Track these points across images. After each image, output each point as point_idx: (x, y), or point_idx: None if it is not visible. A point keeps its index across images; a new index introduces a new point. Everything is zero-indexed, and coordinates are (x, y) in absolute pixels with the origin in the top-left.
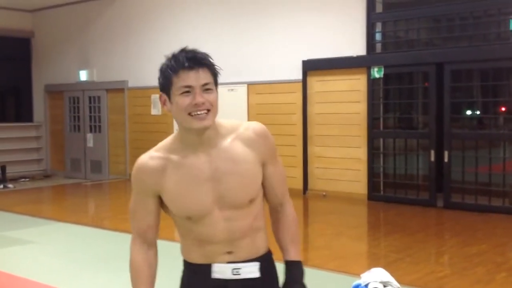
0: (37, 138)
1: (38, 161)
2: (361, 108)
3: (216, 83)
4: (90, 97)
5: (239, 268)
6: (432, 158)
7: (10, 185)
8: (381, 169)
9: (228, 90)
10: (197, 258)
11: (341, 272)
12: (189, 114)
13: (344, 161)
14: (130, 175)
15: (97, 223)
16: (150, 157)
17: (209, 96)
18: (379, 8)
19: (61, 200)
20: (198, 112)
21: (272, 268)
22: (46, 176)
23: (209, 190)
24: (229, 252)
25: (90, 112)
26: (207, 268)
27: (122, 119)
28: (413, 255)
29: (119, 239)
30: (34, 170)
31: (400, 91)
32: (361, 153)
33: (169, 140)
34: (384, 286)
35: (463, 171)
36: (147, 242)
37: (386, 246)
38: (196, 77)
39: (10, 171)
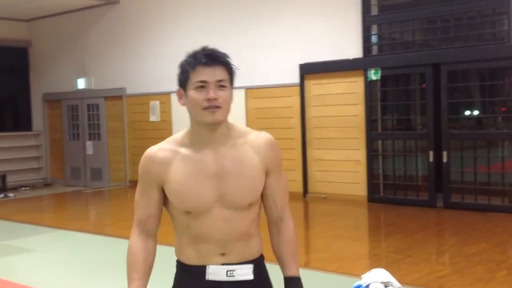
0: (36, 146)
1: (38, 169)
2: (359, 110)
3: (231, 82)
4: (88, 105)
5: (233, 270)
6: (431, 159)
7: (11, 194)
8: (381, 171)
9: None
10: (190, 259)
11: (342, 274)
12: (203, 108)
13: (343, 163)
14: (130, 181)
15: (98, 230)
16: (159, 148)
17: (222, 93)
18: (374, 10)
19: (62, 208)
20: (211, 107)
21: (264, 271)
22: (46, 185)
23: (212, 186)
24: (222, 254)
25: (89, 120)
26: (201, 269)
27: (121, 126)
28: (413, 255)
29: (121, 246)
30: (34, 178)
31: (397, 93)
32: (360, 155)
33: (181, 134)
34: (385, 286)
35: (462, 171)
36: (146, 232)
37: (387, 247)
38: (212, 73)
39: (10, 180)
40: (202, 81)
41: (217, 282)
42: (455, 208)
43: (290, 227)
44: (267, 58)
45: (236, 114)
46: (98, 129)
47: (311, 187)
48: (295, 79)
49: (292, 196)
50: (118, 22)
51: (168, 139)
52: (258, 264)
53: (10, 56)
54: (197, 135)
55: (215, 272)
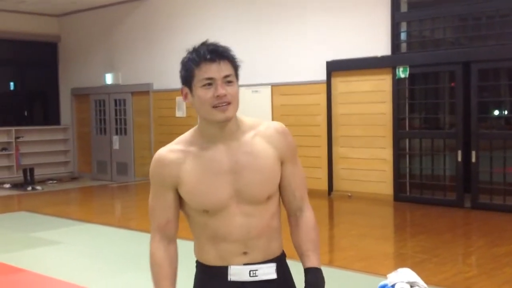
0: (64, 140)
1: (65, 163)
2: (386, 108)
3: (237, 76)
4: (115, 100)
5: (256, 270)
6: (459, 159)
7: (38, 187)
8: (407, 170)
9: (252, 91)
10: (211, 259)
11: (367, 273)
12: (212, 106)
13: (369, 161)
14: None
15: (123, 224)
16: (169, 150)
17: (230, 89)
18: (404, 7)
19: (88, 202)
20: (221, 104)
21: (287, 270)
22: (73, 178)
23: (227, 183)
24: (245, 253)
25: (116, 114)
26: (223, 270)
27: (147, 121)
28: (440, 256)
29: (146, 239)
30: (62, 172)
31: (426, 91)
32: (387, 153)
33: (189, 133)
34: (411, 286)
35: (491, 171)
36: (167, 238)
37: (413, 246)
38: (218, 69)
39: (38, 173)
40: (209, 78)
41: (239, 282)
42: (483, 209)
43: (310, 217)
44: (294, 55)
45: (262, 111)
46: (125, 124)
47: (336, 185)
48: (322, 76)
49: (317, 194)
50: (146, 18)
51: (177, 140)
52: (281, 262)
53: (40, 51)
54: (207, 133)
55: (238, 273)
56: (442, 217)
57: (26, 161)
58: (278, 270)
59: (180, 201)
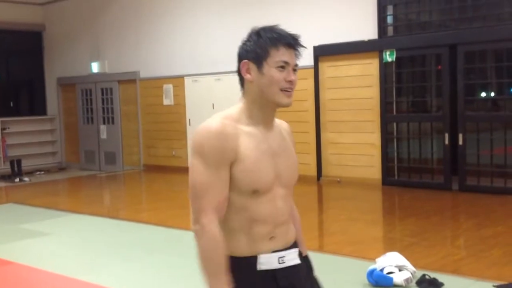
0: (51, 131)
1: (53, 154)
2: (374, 92)
3: None
4: (102, 89)
5: (283, 256)
6: (447, 141)
7: (26, 179)
8: (395, 154)
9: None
10: (241, 249)
11: (356, 257)
12: (280, 89)
13: (358, 146)
14: (143, 165)
15: (112, 214)
16: (223, 124)
17: (295, 78)
18: None
19: (77, 192)
20: (289, 89)
21: (302, 256)
22: (61, 169)
23: (272, 164)
24: (271, 238)
25: (103, 104)
26: (252, 260)
27: (135, 110)
28: (428, 239)
29: (135, 229)
30: (49, 163)
31: (413, 74)
32: (375, 138)
33: (235, 111)
34: (400, 270)
35: (478, 153)
36: (219, 218)
37: (401, 230)
38: (293, 56)
39: (26, 164)
40: (285, 62)
41: (270, 271)
42: (471, 191)
43: (296, 209)
44: None
45: None
46: (112, 113)
47: (325, 170)
48: (309, 61)
49: (306, 179)
50: (131, 6)
51: (222, 115)
52: (298, 248)
53: (24, 40)
54: (254, 114)
55: (267, 261)
56: (430, 200)
57: (13, 153)
58: (300, 255)
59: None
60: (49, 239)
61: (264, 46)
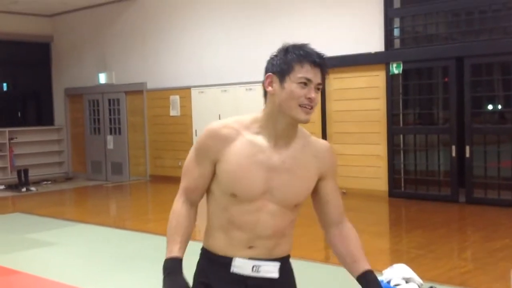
0: (58, 141)
1: (60, 164)
2: (380, 104)
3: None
4: (109, 100)
5: (259, 266)
6: (454, 154)
7: (33, 188)
8: (402, 166)
9: (246, 89)
10: (219, 247)
11: None
12: (299, 104)
13: (364, 158)
14: (150, 176)
15: (119, 224)
16: (224, 125)
17: (317, 96)
18: (396, 3)
19: (83, 202)
20: (307, 106)
21: (290, 271)
22: (68, 179)
23: (265, 178)
24: (250, 247)
25: (110, 114)
26: (227, 260)
27: (141, 120)
28: (435, 251)
29: (141, 240)
30: (56, 173)
31: (419, 87)
32: (381, 149)
33: (249, 118)
34: (406, 282)
35: (485, 166)
36: (190, 201)
37: (408, 242)
38: (317, 75)
39: (33, 174)
40: (308, 79)
41: (242, 276)
42: (478, 203)
43: (353, 228)
44: None
45: (256, 108)
46: (119, 123)
47: None
48: None
49: None
50: (139, 17)
51: (235, 119)
52: (285, 263)
53: (33, 51)
54: (270, 126)
55: (241, 266)
56: (437, 212)
57: (20, 162)
58: (281, 270)
59: (213, 178)
60: (55, 249)
61: (289, 61)
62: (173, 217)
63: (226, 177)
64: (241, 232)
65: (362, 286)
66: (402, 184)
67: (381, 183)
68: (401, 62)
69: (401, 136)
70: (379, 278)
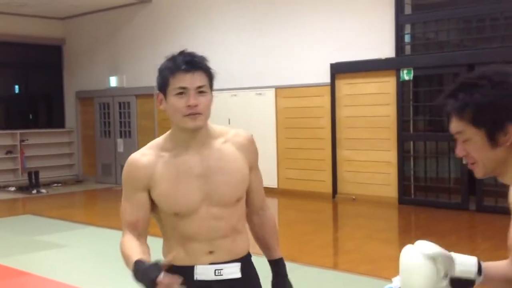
0: (69, 143)
1: (70, 166)
2: (391, 110)
3: (211, 86)
4: (120, 103)
5: (221, 269)
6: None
7: (43, 190)
8: (412, 172)
9: (256, 94)
10: (179, 259)
11: (372, 276)
12: (184, 115)
13: (374, 164)
14: None
15: None
16: (141, 154)
17: (203, 99)
18: (408, 9)
19: (93, 205)
20: (192, 114)
21: (252, 269)
22: (78, 181)
23: (198, 187)
24: (211, 252)
25: (120, 117)
26: (189, 269)
27: (152, 124)
28: None
29: (149, 242)
30: (66, 175)
31: (430, 93)
32: (391, 156)
33: (161, 139)
34: None
35: None
36: (137, 233)
37: None
38: (192, 80)
39: (43, 176)
40: (182, 88)
41: (206, 281)
42: (488, 212)
43: (272, 215)
44: (298, 57)
45: (266, 113)
46: (129, 126)
47: (340, 188)
48: (326, 78)
49: (321, 196)
50: (150, 21)
51: (149, 145)
52: (246, 262)
53: (44, 54)
54: (179, 139)
55: (204, 272)
56: (446, 220)
57: (31, 164)
58: (242, 270)
59: (152, 204)
60: (65, 251)
61: (164, 76)
62: (123, 249)
63: (163, 200)
64: (196, 242)
65: (273, 270)
66: (412, 191)
67: (391, 190)
68: (411, 68)
69: (411, 142)
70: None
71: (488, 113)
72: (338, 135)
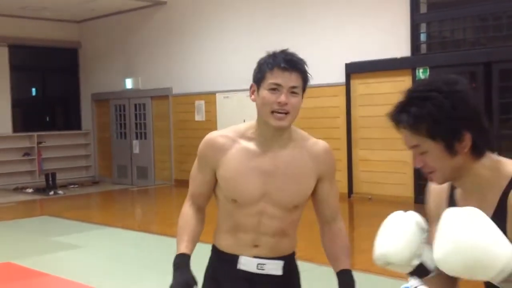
0: (85, 145)
1: (87, 168)
2: None
3: (304, 90)
4: (135, 105)
5: (264, 264)
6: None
7: (60, 192)
8: None
9: None
10: (226, 246)
11: (388, 276)
12: (271, 111)
13: (390, 164)
14: (175, 180)
15: (144, 228)
16: (220, 135)
17: (293, 99)
18: (423, 8)
19: (109, 206)
20: (279, 111)
21: (294, 269)
22: (94, 183)
23: (262, 182)
24: (256, 246)
25: (136, 119)
26: (234, 258)
27: (167, 125)
28: None
29: (166, 244)
30: (83, 176)
31: None
32: (407, 156)
33: (244, 126)
34: None
35: None
36: (197, 205)
37: None
38: (288, 78)
39: (60, 178)
40: (276, 84)
41: (249, 273)
42: None
43: (343, 227)
44: (313, 57)
45: None
46: (145, 128)
47: (356, 187)
48: (341, 78)
49: None
50: (165, 23)
51: (231, 128)
52: (289, 261)
53: (61, 57)
54: (260, 132)
55: (247, 263)
56: None
57: (48, 166)
58: (285, 268)
59: (216, 184)
60: (82, 252)
61: (262, 70)
62: (181, 219)
63: (225, 184)
64: (245, 233)
65: (338, 282)
66: None
67: (407, 190)
68: (427, 67)
69: None
70: (405, 284)
71: (444, 124)
72: (353, 135)
